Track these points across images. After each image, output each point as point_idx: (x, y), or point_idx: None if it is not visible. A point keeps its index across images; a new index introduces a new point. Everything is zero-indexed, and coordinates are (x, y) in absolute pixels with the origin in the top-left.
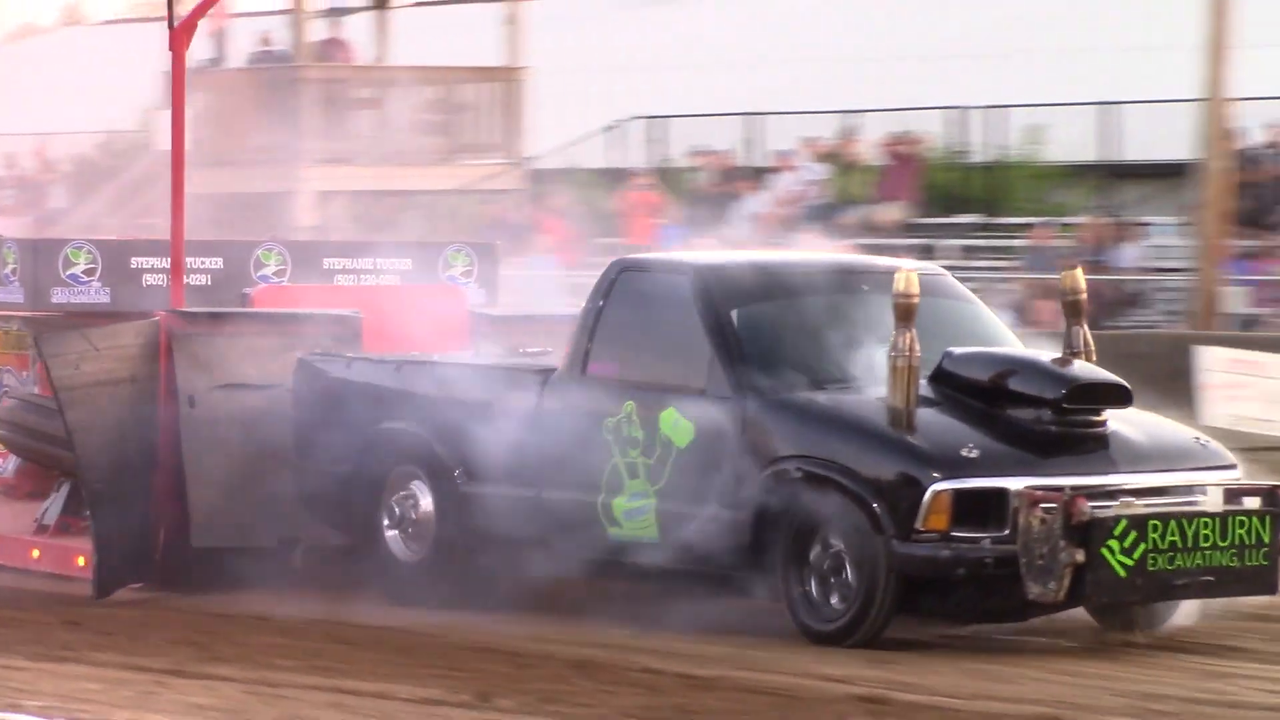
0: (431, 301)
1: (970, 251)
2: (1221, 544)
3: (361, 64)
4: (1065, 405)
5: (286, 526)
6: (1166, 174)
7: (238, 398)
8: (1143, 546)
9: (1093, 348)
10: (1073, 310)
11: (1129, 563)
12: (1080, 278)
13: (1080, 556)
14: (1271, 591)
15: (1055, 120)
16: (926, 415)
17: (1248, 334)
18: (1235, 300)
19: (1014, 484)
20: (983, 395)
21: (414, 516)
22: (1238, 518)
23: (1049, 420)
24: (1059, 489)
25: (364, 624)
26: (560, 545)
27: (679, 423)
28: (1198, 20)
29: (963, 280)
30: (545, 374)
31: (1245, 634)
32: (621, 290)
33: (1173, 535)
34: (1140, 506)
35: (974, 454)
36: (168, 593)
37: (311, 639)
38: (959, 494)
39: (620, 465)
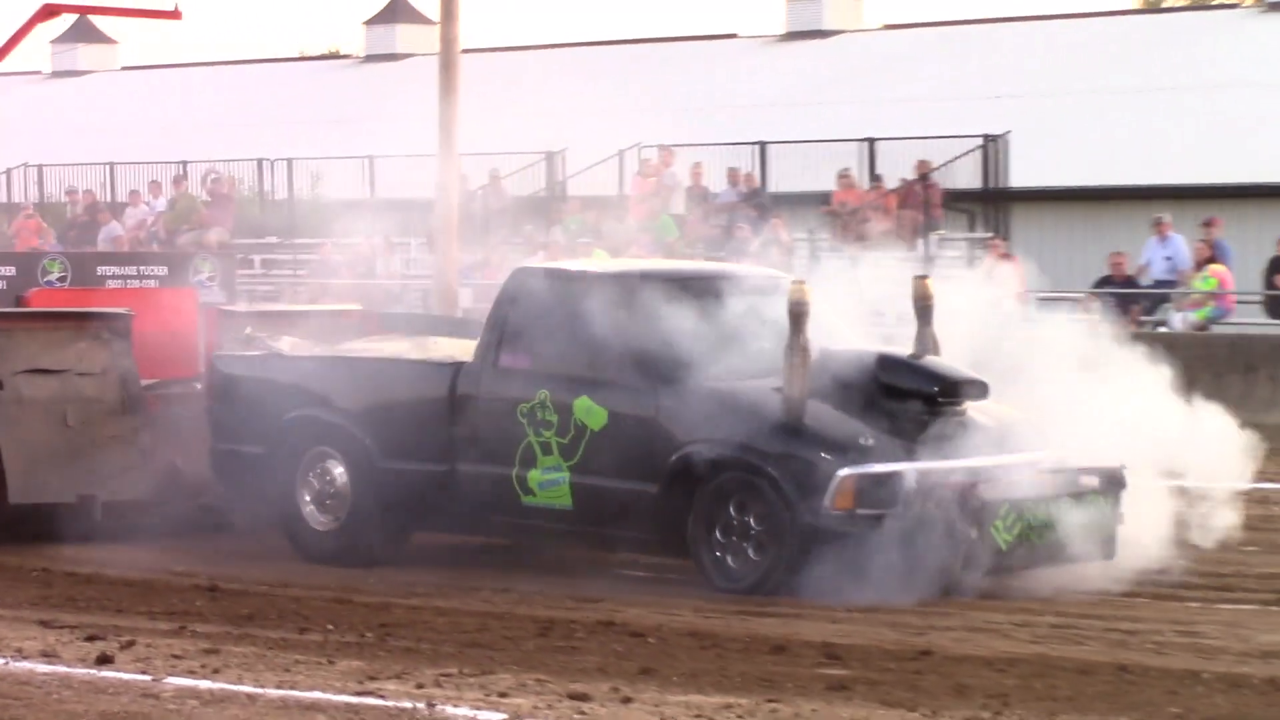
0: (168, 301)
1: (270, 264)
2: (1079, 519)
3: None
4: (940, 399)
5: (84, 485)
6: (416, 207)
7: (38, 381)
8: (1020, 524)
9: (939, 345)
10: (923, 314)
11: (1009, 538)
12: (930, 286)
13: (974, 533)
14: (1112, 557)
15: (329, 169)
16: (821, 406)
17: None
18: (465, 297)
19: (905, 468)
20: (858, 388)
21: (330, 490)
22: (1090, 495)
23: (921, 410)
24: (953, 473)
25: None
26: (473, 511)
27: (592, 409)
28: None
29: (265, 284)
30: (457, 366)
31: None
32: (527, 295)
33: (1043, 513)
34: (1004, 485)
35: (870, 442)
36: None
37: None
38: (861, 477)
39: (534, 443)
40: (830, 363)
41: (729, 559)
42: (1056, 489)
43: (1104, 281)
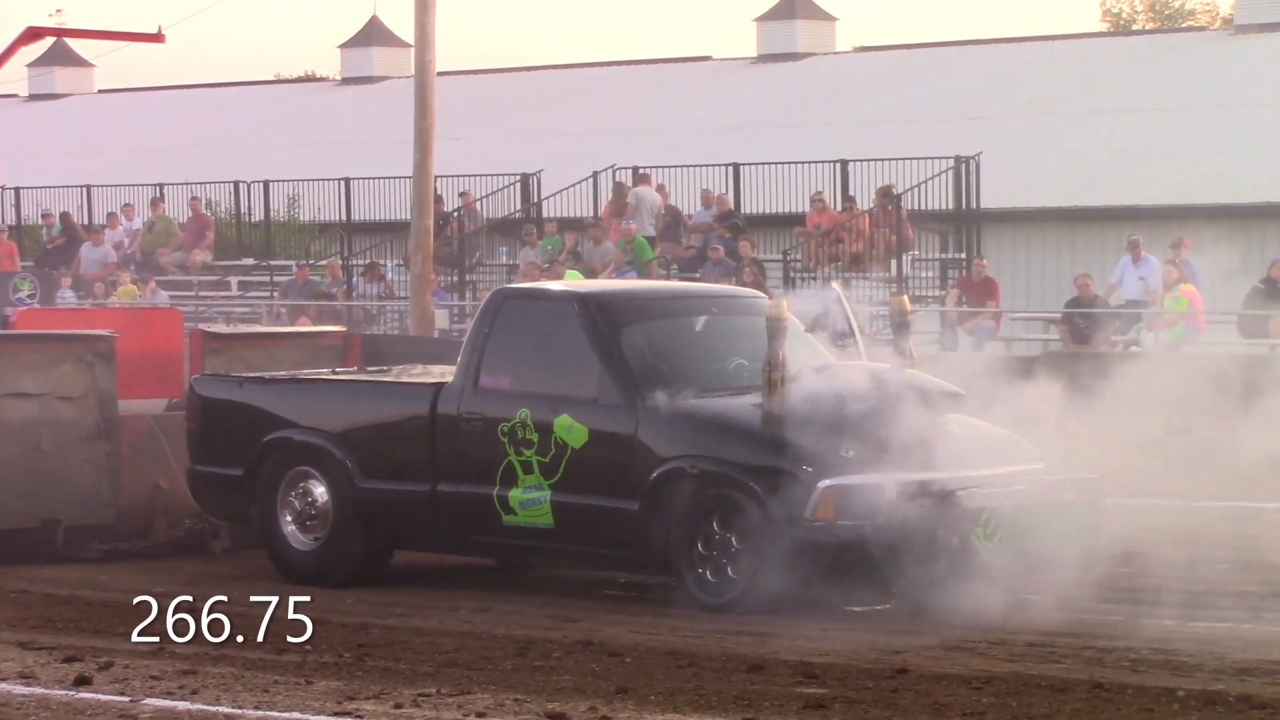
0: (154, 321)
1: (247, 285)
2: (1056, 528)
3: None
4: (918, 410)
5: (49, 510)
6: (391, 229)
7: (16, 404)
8: (1000, 533)
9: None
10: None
11: (990, 546)
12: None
13: (955, 541)
14: (1090, 569)
15: (305, 191)
16: (800, 420)
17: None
18: (441, 318)
19: (885, 479)
20: (836, 401)
21: (311, 511)
22: (1070, 506)
23: (900, 422)
24: (933, 484)
25: None
26: (454, 531)
27: (573, 427)
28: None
29: (242, 305)
30: (438, 386)
31: None
32: (507, 315)
33: (1023, 522)
34: (984, 496)
35: (850, 454)
36: None
37: None
38: (842, 489)
39: (515, 462)
40: (808, 377)
41: (711, 574)
42: (1036, 499)
43: (1072, 303)
